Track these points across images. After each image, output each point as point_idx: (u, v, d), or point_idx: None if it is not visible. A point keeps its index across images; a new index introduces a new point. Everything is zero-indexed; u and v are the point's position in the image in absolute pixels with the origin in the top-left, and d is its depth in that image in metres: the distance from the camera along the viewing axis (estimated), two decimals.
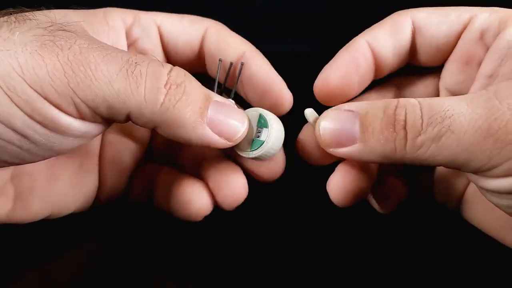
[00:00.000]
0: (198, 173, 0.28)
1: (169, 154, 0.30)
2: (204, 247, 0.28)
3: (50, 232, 0.28)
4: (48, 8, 0.24)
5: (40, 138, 0.21)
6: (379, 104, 0.22)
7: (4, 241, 0.27)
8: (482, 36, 0.25)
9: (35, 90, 0.20)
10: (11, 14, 0.22)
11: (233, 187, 0.26)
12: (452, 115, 0.20)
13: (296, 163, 0.27)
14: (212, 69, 0.29)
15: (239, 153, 0.25)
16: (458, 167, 0.21)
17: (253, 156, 0.25)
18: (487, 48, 0.25)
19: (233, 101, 0.25)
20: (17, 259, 0.27)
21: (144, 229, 0.30)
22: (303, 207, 0.32)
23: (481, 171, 0.21)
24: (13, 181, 0.25)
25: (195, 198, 0.26)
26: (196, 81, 0.23)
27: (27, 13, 0.22)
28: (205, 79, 0.26)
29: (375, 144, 0.22)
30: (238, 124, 0.23)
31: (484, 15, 0.25)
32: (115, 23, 0.26)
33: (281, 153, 0.27)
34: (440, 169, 0.29)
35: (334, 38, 0.28)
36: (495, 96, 0.20)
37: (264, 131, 0.24)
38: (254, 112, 0.25)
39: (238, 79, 0.27)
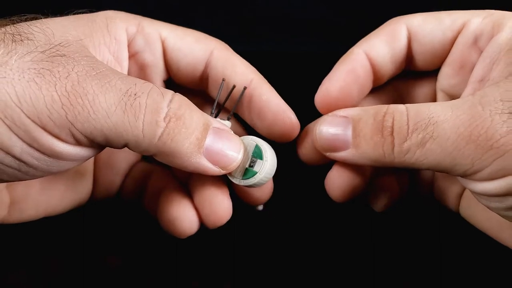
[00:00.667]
0: (187, 181, 0.28)
1: None
2: (200, 245, 0.29)
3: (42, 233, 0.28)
4: (46, 14, 0.24)
5: (38, 163, 0.21)
6: (370, 111, 0.23)
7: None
8: (476, 41, 0.25)
9: (33, 121, 0.20)
10: (7, 25, 0.22)
11: (218, 208, 0.26)
12: (436, 122, 0.21)
13: (293, 161, 0.28)
14: (214, 91, 0.28)
15: (230, 178, 0.25)
16: (445, 171, 0.22)
17: (244, 184, 0.25)
18: (481, 53, 0.25)
19: (229, 123, 0.26)
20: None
21: (136, 229, 0.30)
22: (302, 204, 0.32)
23: (467, 175, 0.22)
24: (8, 188, 0.26)
25: (181, 217, 0.26)
26: (197, 109, 0.23)
27: (24, 29, 0.21)
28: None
29: (365, 149, 0.23)
30: (234, 154, 0.24)
31: (477, 20, 0.25)
32: (117, 34, 0.25)
33: (270, 181, 0.27)
34: None
35: (334, 38, 0.29)
36: (479, 102, 0.21)
37: (258, 162, 0.25)
38: (250, 141, 0.25)
39: (238, 102, 0.27)
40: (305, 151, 0.28)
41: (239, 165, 0.25)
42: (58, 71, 0.20)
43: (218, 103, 0.27)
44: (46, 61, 0.20)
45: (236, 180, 0.25)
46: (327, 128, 0.25)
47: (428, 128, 0.21)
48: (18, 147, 0.20)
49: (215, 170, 0.23)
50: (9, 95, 0.19)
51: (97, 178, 0.29)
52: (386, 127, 0.23)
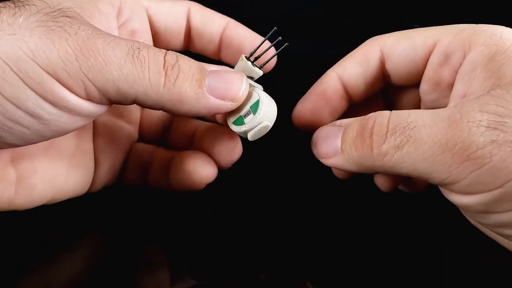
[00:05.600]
0: (191, 148, 0.30)
1: (159, 135, 0.31)
2: (200, 234, 0.29)
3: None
4: None
5: (49, 117, 0.21)
6: (359, 118, 0.24)
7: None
8: (447, 59, 0.26)
9: (47, 72, 0.20)
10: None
11: (230, 145, 0.28)
12: (415, 126, 0.21)
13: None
14: (197, 43, 0.31)
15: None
16: (424, 178, 0.22)
17: (232, 128, 0.26)
18: (454, 70, 0.26)
19: (261, 72, 0.26)
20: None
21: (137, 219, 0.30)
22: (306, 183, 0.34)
23: (445, 184, 0.22)
24: (14, 163, 0.25)
25: (197, 166, 0.28)
26: (189, 58, 0.24)
27: None
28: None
29: (349, 152, 0.24)
30: (238, 84, 0.24)
31: (447, 39, 0.26)
32: (104, 7, 0.26)
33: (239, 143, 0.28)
34: None
35: (334, 39, 0.30)
36: (459, 111, 0.21)
37: (251, 116, 0.25)
38: (255, 93, 0.26)
39: (275, 55, 0.27)
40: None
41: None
42: (66, 29, 0.21)
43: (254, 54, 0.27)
44: (52, 21, 0.21)
45: (228, 121, 0.26)
46: (322, 136, 0.26)
47: (406, 132, 0.22)
48: (32, 100, 0.20)
49: (227, 104, 0.24)
50: (22, 49, 0.20)
51: (98, 157, 0.29)
52: (366, 129, 0.23)
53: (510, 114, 0.20)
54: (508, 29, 0.25)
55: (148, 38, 0.30)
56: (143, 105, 0.23)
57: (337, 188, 0.31)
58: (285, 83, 0.29)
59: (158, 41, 0.30)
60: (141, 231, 0.29)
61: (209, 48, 0.31)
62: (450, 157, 0.21)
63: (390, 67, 0.28)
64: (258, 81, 0.27)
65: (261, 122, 0.25)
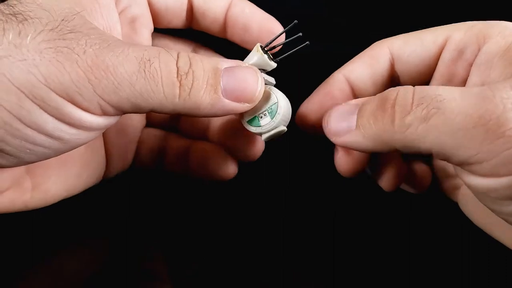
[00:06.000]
0: (206, 137, 0.30)
1: (167, 121, 0.31)
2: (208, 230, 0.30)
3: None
4: None
5: (69, 137, 0.22)
6: (377, 95, 0.23)
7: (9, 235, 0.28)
8: (460, 54, 0.25)
9: (62, 97, 0.20)
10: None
11: (254, 145, 0.29)
12: (444, 99, 0.20)
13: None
14: (201, 22, 0.29)
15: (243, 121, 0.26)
16: (445, 156, 0.21)
17: (246, 127, 0.26)
18: (468, 64, 0.25)
19: (275, 64, 0.26)
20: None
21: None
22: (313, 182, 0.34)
23: (468, 164, 0.20)
24: (29, 173, 0.25)
25: (223, 166, 0.29)
26: (203, 58, 0.23)
27: (20, 7, 0.21)
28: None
29: (367, 126, 0.22)
30: (253, 85, 0.24)
31: (459, 34, 0.25)
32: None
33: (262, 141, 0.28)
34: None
35: (335, 39, 0.30)
36: (489, 88, 0.20)
37: (267, 119, 0.25)
38: (274, 97, 0.25)
39: (294, 51, 0.26)
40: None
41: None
42: (74, 48, 0.20)
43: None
44: (59, 39, 0.20)
45: (243, 120, 0.26)
46: (337, 114, 0.25)
47: (434, 104, 0.20)
48: (50, 124, 0.21)
49: (242, 106, 0.23)
50: (35, 75, 0.19)
51: (109, 149, 0.29)
52: (389, 99, 0.22)
53: None
54: None
55: (148, 22, 0.28)
56: (159, 113, 0.23)
57: (338, 189, 0.31)
58: (285, 83, 0.27)
59: (158, 22, 0.29)
60: (144, 232, 0.30)
61: (213, 27, 0.29)
62: (482, 132, 0.19)
63: (400, 67, 0.27)
64: (270, 73, 0.26)
65: (278, 127, 0.25)
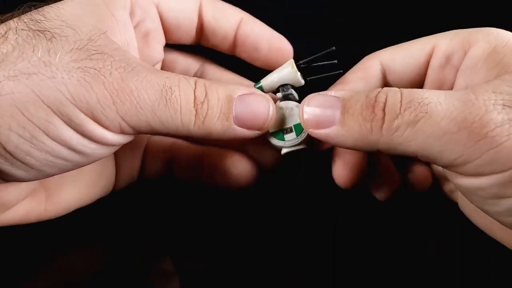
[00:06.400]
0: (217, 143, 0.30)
1: None
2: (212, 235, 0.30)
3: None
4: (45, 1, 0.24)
5: (91, 152, 0.23)
6: (363, 91, 0.23)
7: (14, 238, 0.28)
8: (448, 60, 0.26)
9: (87, 115, 0.21)
10: (22, 16, 0.22)
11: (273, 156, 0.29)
12: (430, 102, 0.21)
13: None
14: (210, 39, 0.30)
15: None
16: (431, 158, 0.21)
17: (269, 139, 0.26)
18: (456, 70, 0.26)
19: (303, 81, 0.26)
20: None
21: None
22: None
23: (454, 166, 0.21)
24: (42, 183, 0.26)
25: (243, 172, 0.29)
26: (219, 85, 0.24)
27: (47, 24, 0.22)
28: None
29: (352, 125, 0.22)
30: (263, 114, 0.24)
31: (445, 41, 0.26)
32: (121, 16, 0.25)
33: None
34: None
35: (334, 39, 0.30)
36: (472, 91, 0.21)
37: (291, 135, 0.26)
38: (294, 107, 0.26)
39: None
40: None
41: (276, 121, 0.25)
42: (100, 69, 0.21)
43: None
44: (86, 59, 0.21)
45: (267, 135, 0.26)
46: (316, 104, 0.24)
47: (422, 108, 0.21)
48: (74, 139, 0.22)
49: (252, 133, 0.24)
50: (63, 94, 0.20)
51: (119, 159, 0.30)
52: (379, 102, 0.22)
53: None
54: (502, 30, 0.25)
55: (160, 36, 0.29)
56: (175, 136, 0.24)
57: (338, 189, 0.31)
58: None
59: (169, 37, 0.30)
60: (147, 234, 0.30)
61: (223, 45, 0.30)
62: (466, 134, 0.20)
63: (392, 78, 0.28)
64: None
65: (301, 144, 0.26)
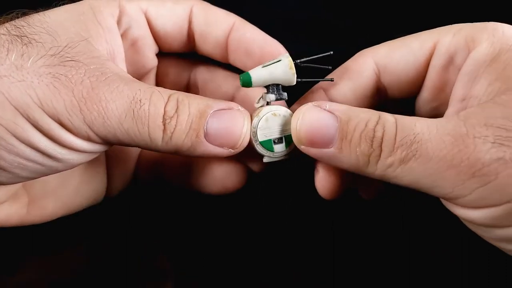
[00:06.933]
0: None
1: None
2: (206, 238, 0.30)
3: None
4: (33, 8, 0.25)
5: (62, 156, 0.23)
6: (361, 114, 0.22)
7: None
8: (451, 60, 0.24)
9: (54, 120, 0.21)
10: (4, 22, 0.23)
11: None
12: (421, 139, 0.21)
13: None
14: (202, 46, 0.29)
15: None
16: (425, 191, 0.22)
17: (256, 147, 0.25)
18: (459, 71, 0.24)
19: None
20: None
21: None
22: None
23: (448, 198, 0.22)
24: (25, 187, 0.26)
25: (232, 174, 0.28)
26: (191, 100, 0.23)
27: (27, 30, 0.22)
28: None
29: (350, 154, 0.22)
30: (237, 131, 0.23)
31: (447, 38, 0.24)
32: (107, 23, 0.25)
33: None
34: None
35: (334, 39, 0.29)
36: (464, 124, 0.20)
37: (281, 146, 0.25)
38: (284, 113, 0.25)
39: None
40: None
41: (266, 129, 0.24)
42: (72, 76, 0.21)
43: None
44: (59, 65, 0.21)
45: (255, 138, 0.25)
46: (310, 120, 0.23)
47: (413, 146, 0.21)
48: (43, 142, 0.22)
49: (224, 152, 0.23)
50: (31, 97, 0.21)
51: (110, 167, 0.30)
52: (377, 137, 0.21)
53: None
54: (509, 26, 0.23)
55: (150, 43, 0.29)
56: (146, 149, 0.23)
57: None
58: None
59: (160, 45, 0.29)
60: (144, 235, 0.30)
61: (216, 52, 0.29)
62: (455, 174, 0.20)
63: (388, 79, 0.26)
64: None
65: (287, 158, 0.25)
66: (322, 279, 0.27)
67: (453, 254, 0.28)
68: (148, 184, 0.32)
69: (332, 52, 0.25)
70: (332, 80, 0.26)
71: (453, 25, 0.25)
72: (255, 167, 0.29)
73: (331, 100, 0.27)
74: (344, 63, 0.27)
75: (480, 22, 0.24)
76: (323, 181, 0.26)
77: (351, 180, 0.26)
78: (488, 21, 0.24)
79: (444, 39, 0.24)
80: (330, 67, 0.26)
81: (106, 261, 0.28)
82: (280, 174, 0.33)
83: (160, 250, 0.29)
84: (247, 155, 0.27)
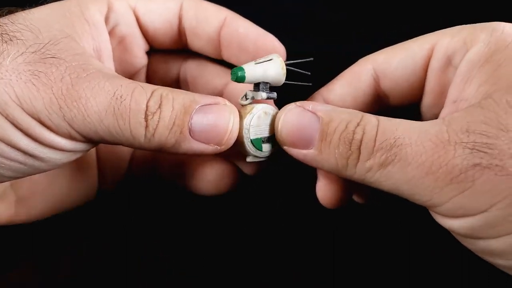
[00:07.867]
0: None
1: None
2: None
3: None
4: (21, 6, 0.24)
5: (44, 155, 0.22)
6: (342, 115, 0.22)
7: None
8: (449, 61, 0.24)
9: (34, 118, 0.21)
10: None
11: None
12: (401, 144, 0.20)
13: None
14: (194, 43, 0.29)
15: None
16: (405, 197, 0.21)
17: (247, 146, 0.24)
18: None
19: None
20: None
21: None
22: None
23: (428, 206, 0.21)
24: (13, 186, 0.26)
25: (224, 177, 0.28)
26: (176, 95, 0.22)
27: (10, 27, 0.22)
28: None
29: (329, 156, 0.22)
30: (223, 127, 0.23)
31: (446, 40, 0.24)
32: (95, 20, 0.25)
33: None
34: None
35: (334, 39, 0.29)
36: (447, 130, 0.20)
37: (268, 146, 0.25)
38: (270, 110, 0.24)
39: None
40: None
41: (251, 128, 0.24)
42: (52, 73, 0.21)
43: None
44: (39, 62, 0.21)
45: (246, 136, 0.24)
46: (293, 121, 0.23)
47: (393, 150, 0.20)
48: (23, 141, 0.21)
49: (210, 148, 0.23)
50: (9, 95, 0.20)
51: (102, 165, 0.29)
52: (356, 140, 0.21)
53: (499, 133, 0.19)
54: (510, 24, 0.23)
55: (139, 40, 0.28)
56: (130, 147, 0.23)
57: None
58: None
59: (151, 42, 0.29)
60: (142, 235, 0.30)
61: (208, 48, 0.29)
62: (432, 180, 0.20)
63: (387, 85, 0.26)
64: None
65: (269, 158, 0.24)
66: (322, 279, 0.26)
67: (453, 257, 0.27)
68: (144, 182, 0.31)
69: (312, 59, 0.25)
70: (310, 84, 0.26)
71: (454, 27, 0.24)
72: (247, 169, 0.28)
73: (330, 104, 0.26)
74: (344, 70, 0.27)
75: (482, 23, 0.23)
76: (324, 190, 0.25)
77: (354, 188, 0.26)
78: (488, 21, 0.23)
79: (442, 41, 0.24)
80: (309, 73, 0.25)
81: (106, 261, 0.28)
82: (278, 174, 0.33)
83: (160, 250, 0.29)
84: (239, 157, 0.27)
